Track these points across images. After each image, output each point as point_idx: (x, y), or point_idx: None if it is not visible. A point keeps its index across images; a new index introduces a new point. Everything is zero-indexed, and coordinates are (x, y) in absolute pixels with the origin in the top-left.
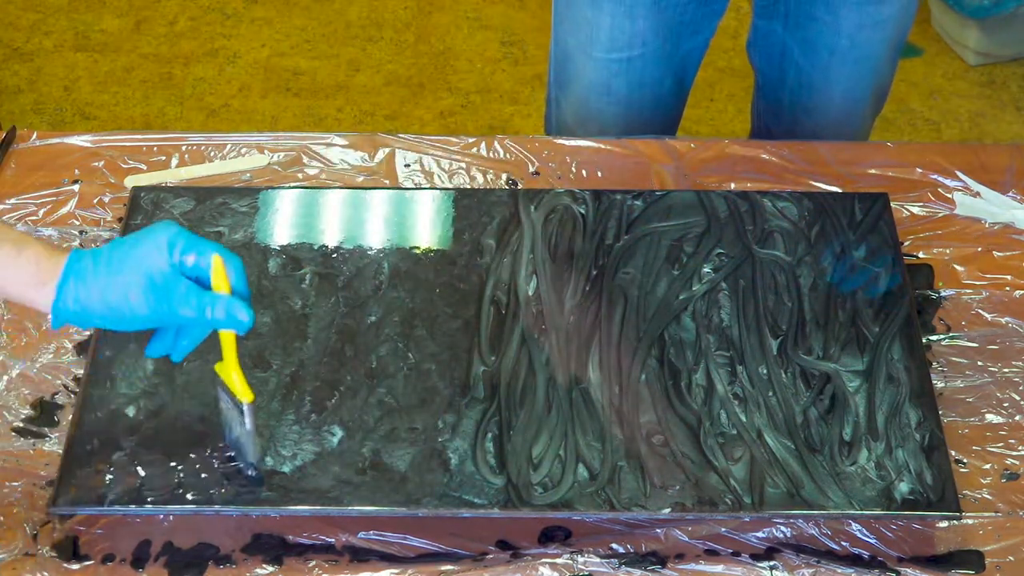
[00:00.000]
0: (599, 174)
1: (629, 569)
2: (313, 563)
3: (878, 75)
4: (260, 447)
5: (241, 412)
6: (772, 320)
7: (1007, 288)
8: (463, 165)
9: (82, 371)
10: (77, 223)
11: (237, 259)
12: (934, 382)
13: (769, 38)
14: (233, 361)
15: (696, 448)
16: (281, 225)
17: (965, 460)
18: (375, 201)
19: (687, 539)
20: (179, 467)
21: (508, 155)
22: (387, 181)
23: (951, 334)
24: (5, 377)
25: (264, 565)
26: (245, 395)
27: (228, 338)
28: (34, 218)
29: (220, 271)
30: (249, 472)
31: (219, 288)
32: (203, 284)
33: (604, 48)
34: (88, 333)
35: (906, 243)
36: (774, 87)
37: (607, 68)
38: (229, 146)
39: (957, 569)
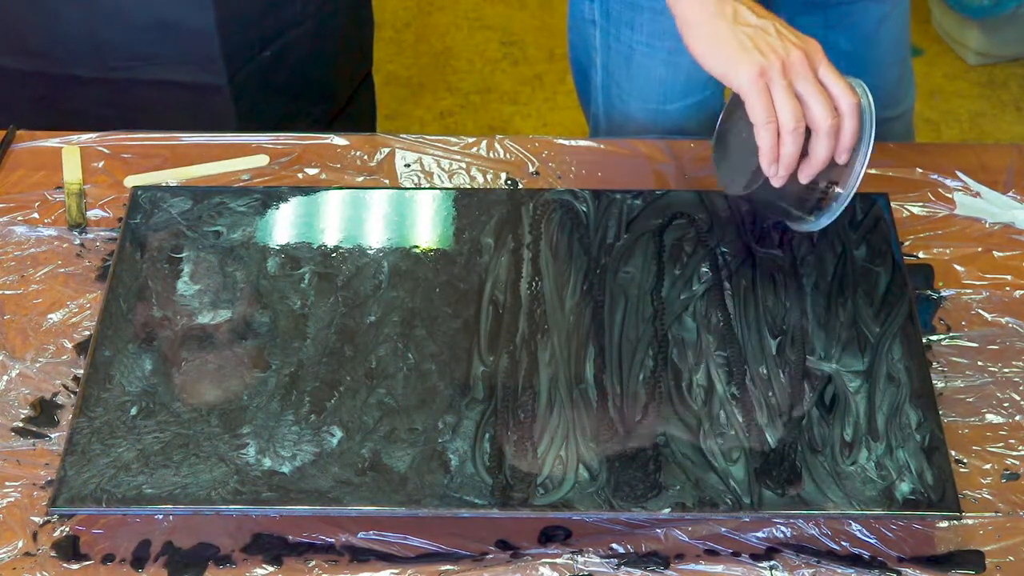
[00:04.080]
0: (599, 174)
1: (629, 569)
2: (313, 563)
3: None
4: None
5: None
6: (772, 320)
7: (1007, 288)
8: (463, 165)
9: (82, 371)
10: None
11: None
12: (934, 382)
13: None
14: None
15: (696, 448)
16: (280, 225)
17: (965, 460)
18: (375, 201)
19: (687, 539)
20: (179, 466)
21: (508, 155)
22: (387, 181)
23: (951, 334)
24: (5, 377)
25: (264, 565)
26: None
27: None
28: (34, 217)
29: None
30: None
31: None
32: None
33: (680, 95)
34: (88, 333)
35: (906, 243)
36: None
37: (681, 113)
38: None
39: (957, 569)
